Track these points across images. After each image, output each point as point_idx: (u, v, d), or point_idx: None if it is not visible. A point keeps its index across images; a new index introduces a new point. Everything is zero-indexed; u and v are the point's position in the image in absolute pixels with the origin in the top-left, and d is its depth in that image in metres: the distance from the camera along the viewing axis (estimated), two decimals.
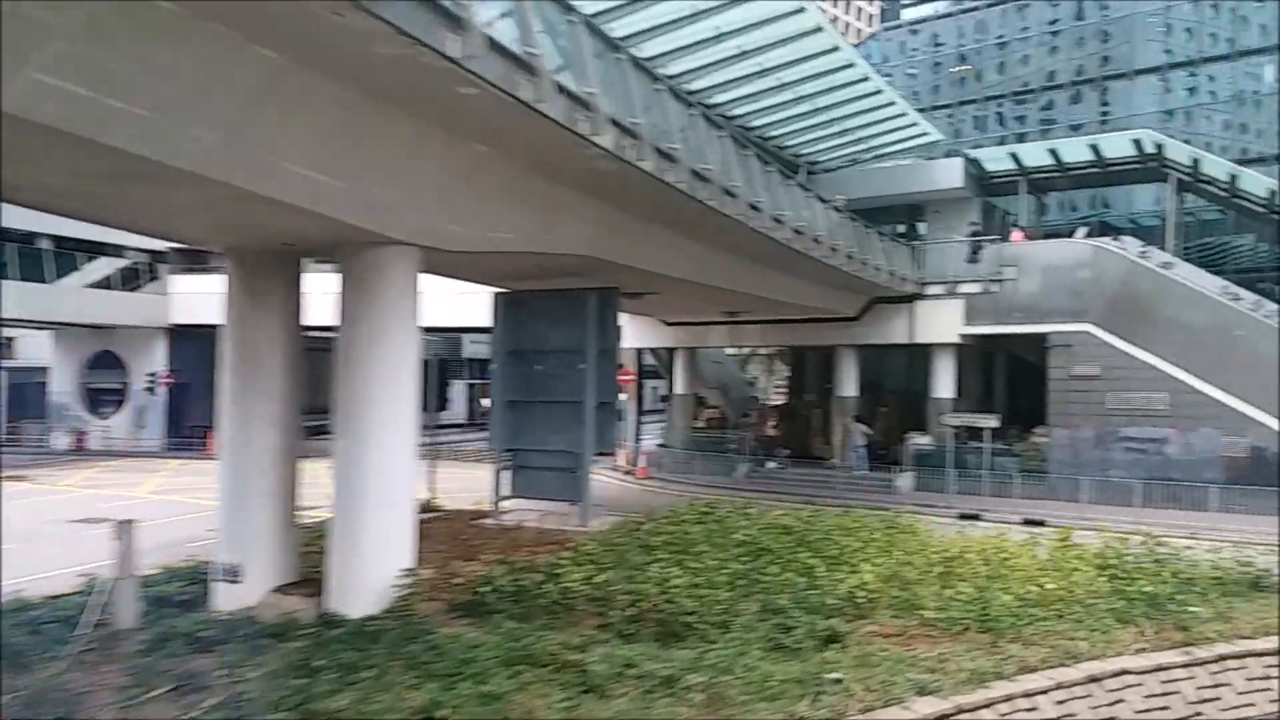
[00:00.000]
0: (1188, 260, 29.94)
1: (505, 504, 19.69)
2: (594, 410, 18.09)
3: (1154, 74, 39.71)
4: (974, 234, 28.70)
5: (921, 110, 37.73)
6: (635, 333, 33.51)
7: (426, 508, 19.78)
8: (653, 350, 36.81)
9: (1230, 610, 10.96)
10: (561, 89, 10.45)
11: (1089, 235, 28.88)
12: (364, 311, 11.69)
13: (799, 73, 22.49)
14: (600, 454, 19.21)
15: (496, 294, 19.44)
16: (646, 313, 31.18)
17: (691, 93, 21.57)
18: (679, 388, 34.70)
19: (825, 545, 12.70)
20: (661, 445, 35.27)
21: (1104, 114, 39.46)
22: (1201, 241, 36.02)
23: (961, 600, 10.53)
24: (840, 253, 22.01)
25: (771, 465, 31.01)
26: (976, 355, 32.70)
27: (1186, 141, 35.93)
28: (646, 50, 19.08)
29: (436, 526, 17.70)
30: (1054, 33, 42.97)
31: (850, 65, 22.53)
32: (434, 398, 20.07)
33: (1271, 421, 23.90)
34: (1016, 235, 28.08)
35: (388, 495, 11.60)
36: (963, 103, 45.01)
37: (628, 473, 31.97)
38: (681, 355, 34.36)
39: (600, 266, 16.65)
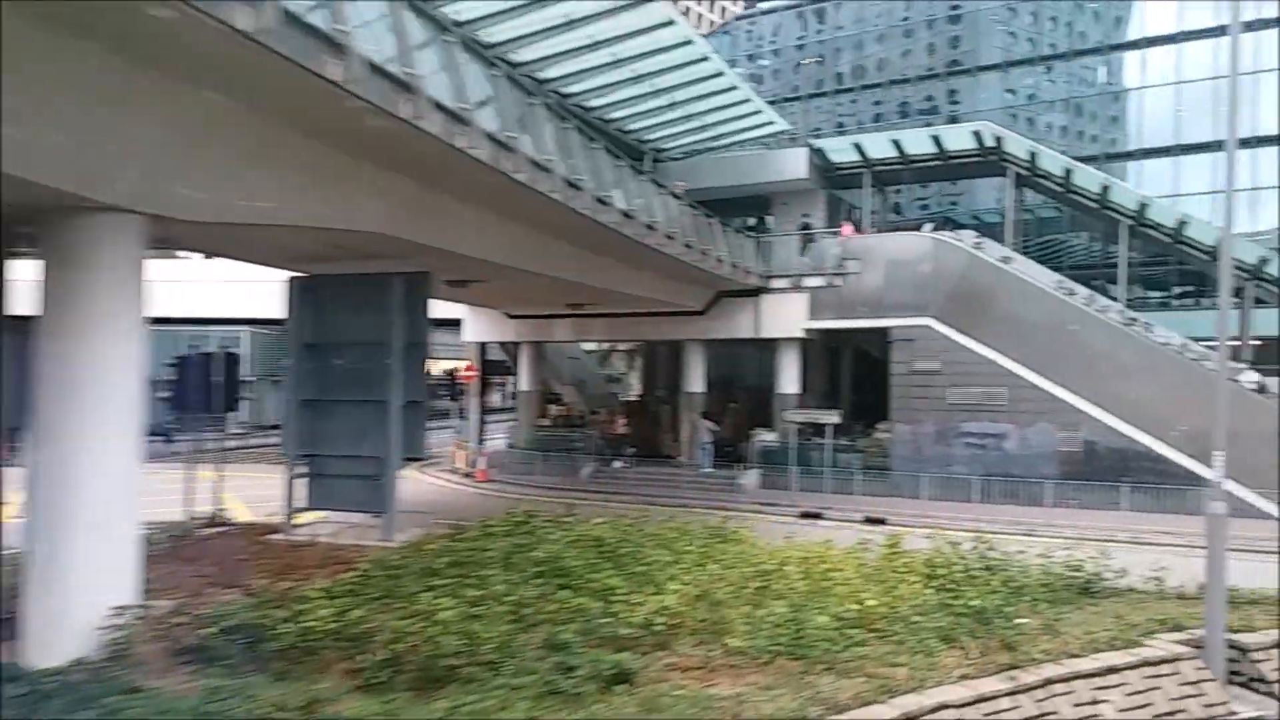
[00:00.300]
0: (1027, 256, 30.31)
1: (310, 516, 17.69)
2: (401, 410, 16.26)
3: (995, 71, 40.25)
4: (804, 227, 28.21)
5: (773, 103, 37.25)
6: (477, 326, 31.73)
7: (212, 521, 17.57)
8: (502, 345, 35.05)
9: (1059, 622, 10.16)
10: (297, 21, 8.63)
11: (935, 230, 28.76)
12: (71, 294, 9.55)
13: (635, 48, 21.08)
14: (409, 459, 17.31)
15: (291, 279, 17.33)
16: (486, 304, 29.38)
17: (517, 64, 19.92)
18: (525, 384, 33.01)
19: (635, 560, 11.30)
20: (511, 446, 33.52)
21: (953, 114, 39.80)
22: (1040, 239, 36.90)
23: (773, 623, 9.28)
24: (677, 241, 20.81)
25: (617, 465, 29.73)
26: (823, 350, 32.33)
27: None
28: (461, 14, 17.30)
29: (215, 544, 15.57)
30: (907, 33, 43.17)
31: (688, 42, 21.29)
32: (221, 397, 17.68)
33: (1103, 416, 24.11)
34: (845, 229, 27.56)
35: (99, 515, 9.50)
36: (813, 95, 44.75)
37: (467, 475, 30.08)
38: (527, 350, 32.66)
39: (407, 248, 14.87)
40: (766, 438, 28.52)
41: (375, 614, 9.38)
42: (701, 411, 30.18)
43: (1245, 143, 32.70)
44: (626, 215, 17.84)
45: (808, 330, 27.94)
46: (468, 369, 31.66)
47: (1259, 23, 32.52)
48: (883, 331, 27.00)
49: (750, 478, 27.66)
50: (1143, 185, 33.98)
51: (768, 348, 29.48)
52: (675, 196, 21.76)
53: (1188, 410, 23.39)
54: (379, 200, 12.97)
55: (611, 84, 23.36)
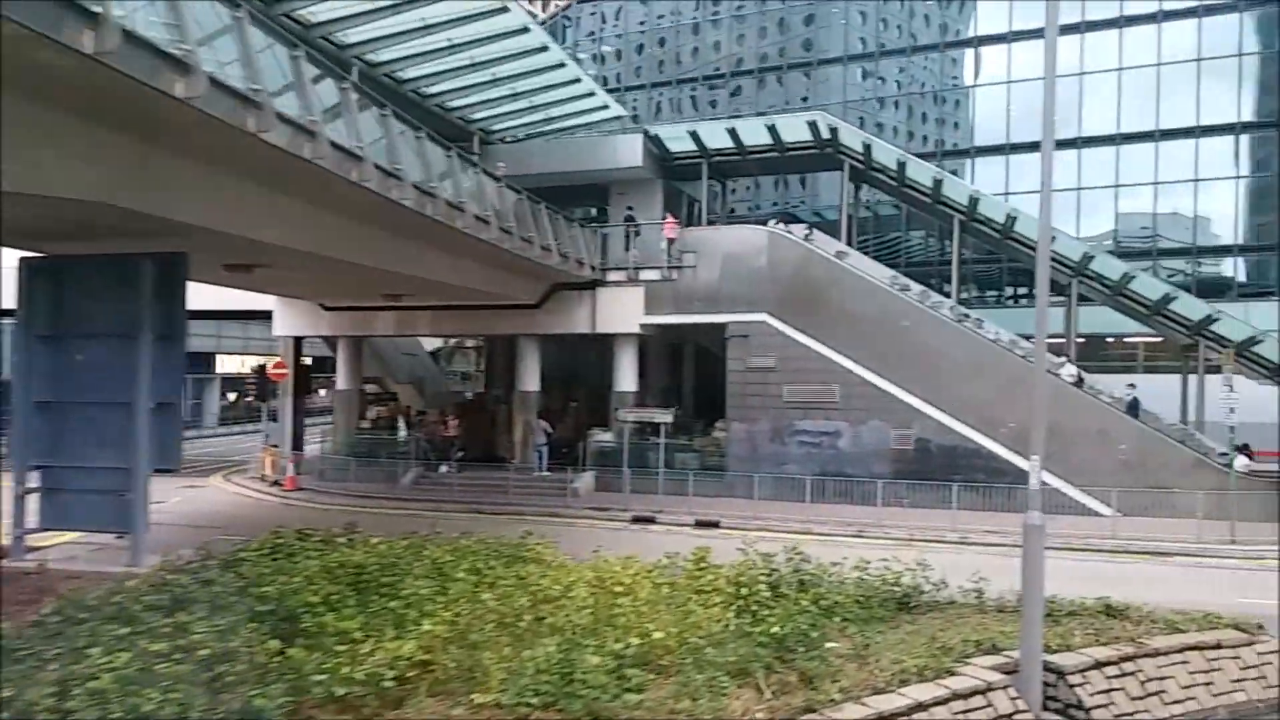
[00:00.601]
0: (868, 253, 30.11)
1: (68, 536, 15.23)
2: (151, 413, 13.93)
3: (843, 67, 40.13)
4: (628, 218, 27.06)
5: (614, 91, 36.06)
6: (289, 319, 29.08)
7: None
8: (327, 340, 32.46)
9: (869, 647, 9.07)
10: None
11: (776, 224, 28.04)
12: None
13: (447, 13, 19.25)
14: (161, 470, 14.93)
15: (22, 260, 14.73)
16: (293, 294, 26.90)
17: (310, 26, 17.77)
18: (343, 382, 30.50)
19: (393, 593, 9.57)
20: (332, 451, 30.95)
21: (805, 106, 39.45)
22: (881, 236, 37.07)
23: (537, 667, 7.75)
24: (493, 226, 19.06)
25: (444, 470, 27.71)
26: (665, 346, 31.33)
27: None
28: None
29: None
30: (762, 31, 42.53)
31: (504, 9, 19.58)
32: None
33: (935, 413, 23.86)
34: (669, 222, 26.40)
35: None
36: (656, 85, 43.57)
37: (275, 483, 27.47)
38: (345, 345, 30.21)
39: (158, 225, 12.65)
40: (603, 438, 27.19)
41: (27, 676, 7.33)
42: (538, 411, 28.58)
43: (1071, 143, 33.72)
44: (426, 193, 15.98)
45: (644, 325, 26.77)
46: (277, 366, 28.95)
47: (1085, 25, 33.49)
48: (721, 327, 26.10)
49: (585, 480, 26.27)
50: (979, 183, 34.56)
51: (608, 343, 28.16)
52: (493, 177, 20.02)
53: (1016, 407, 23.36)
54: (93, 163, 10.72)
55: (426, 54, 21.40)
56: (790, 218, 32.87)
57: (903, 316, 24.45)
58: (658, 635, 8.56)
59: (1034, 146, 33.99)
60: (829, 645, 9.14)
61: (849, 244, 27.87)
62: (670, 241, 25.84)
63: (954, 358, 23.99)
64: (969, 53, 37.86)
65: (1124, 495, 21.45)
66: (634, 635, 8.53)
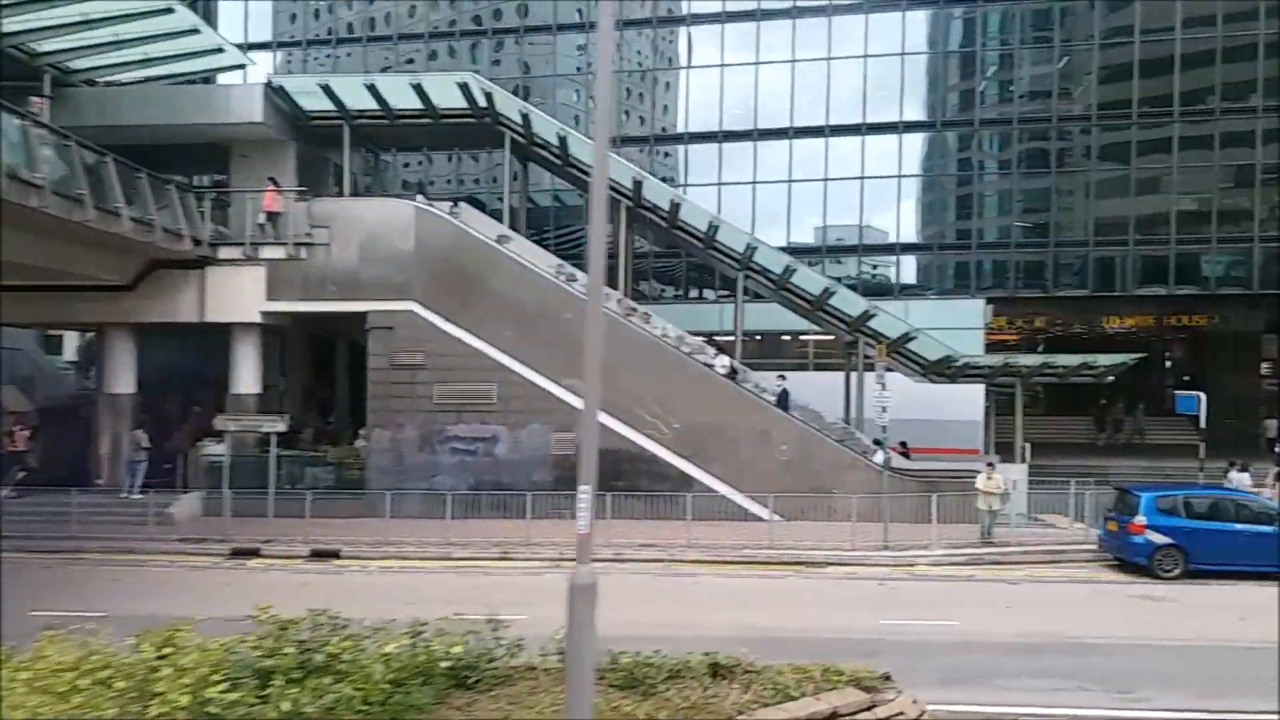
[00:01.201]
0: (551, 245, 27.65)
1: None
2: None
3: (547, 33, 36.81)
4: (215, 183, 22.86)
5: (249, 48, 31.09)
6: None
7: None
8: None
9: None
10: None
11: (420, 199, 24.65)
12: None
13: None
14: None
15: None
16: None
17: None
18: None
19: None
20: None
21: (526, 83, 36.13)
22: (565, 225, 34.86)
23: None
24: (1, 177, 14.21)
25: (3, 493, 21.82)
26: (310, 341, 27.11)
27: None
28: None
29: None
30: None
31: None
32: None
33: (598, 414, 21.63)
34: (269, 192, 22.30)
35: None
36: (343, 41, 37.91)
37: None
38: None
39: None
40: (214, 451, 22.45)
41: None
42: (135, 419, 23.34)
43: (747, 135, 33.26)
44: None
45: (268, 314, 22.51)
46: None
47: (761, 13, 33.03)
48: (362, 317, 22.43)
49: (187, 503, 21.63)
50: (694, 172, 33.37)
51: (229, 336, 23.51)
52: (14, 112, 15.12)
53: (680, 407, 21.81)
54: None
55: None
56: (473, 202, 29.68)
57: (565, 308, 22.01)
58: None
59: (747, 135, 33.82)
60: None
61: (513, 228, 25.14)
62: (272, 216, 21.75)
63: (618, 354, 21.82)
64: (682, 32, 35.99)
65: (783, 499, 20.26)
66: None
